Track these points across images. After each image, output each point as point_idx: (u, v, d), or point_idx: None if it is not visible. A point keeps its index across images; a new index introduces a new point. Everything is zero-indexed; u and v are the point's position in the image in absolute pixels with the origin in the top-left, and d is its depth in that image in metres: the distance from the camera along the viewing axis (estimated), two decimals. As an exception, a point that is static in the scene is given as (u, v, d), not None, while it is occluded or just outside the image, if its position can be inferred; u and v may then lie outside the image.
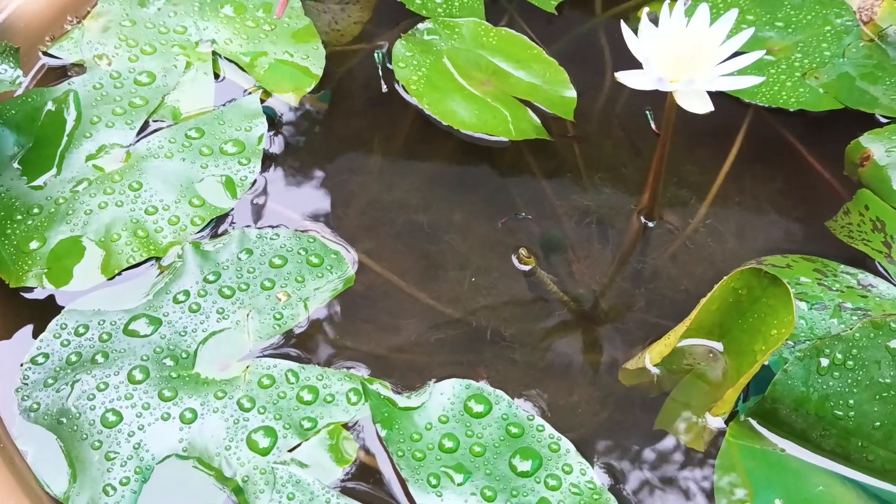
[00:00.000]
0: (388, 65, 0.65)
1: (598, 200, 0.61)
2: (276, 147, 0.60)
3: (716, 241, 0.60)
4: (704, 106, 0.43)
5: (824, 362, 0.44)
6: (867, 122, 0.65)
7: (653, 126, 0.64)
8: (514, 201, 0.60)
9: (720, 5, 0.72)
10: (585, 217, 0.60)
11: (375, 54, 0.66)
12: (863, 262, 0.55)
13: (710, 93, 0.45)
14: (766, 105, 0.65)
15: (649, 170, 0.56)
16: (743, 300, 0.47)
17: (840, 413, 0.43)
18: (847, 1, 0.73)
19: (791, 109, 0.65)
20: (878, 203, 0.58)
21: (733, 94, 0.65)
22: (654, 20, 0.64)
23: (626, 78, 0.44)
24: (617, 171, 0.63)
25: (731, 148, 0.65)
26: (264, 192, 0.57)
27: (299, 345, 0.48)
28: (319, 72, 0.64)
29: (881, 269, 0.54)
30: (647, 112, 0.64)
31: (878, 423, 0.43)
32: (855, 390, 0.43)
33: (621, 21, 0.47)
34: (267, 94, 0.61)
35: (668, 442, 0.48)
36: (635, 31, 0.46)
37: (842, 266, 0.53)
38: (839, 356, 0.43)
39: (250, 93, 0.61)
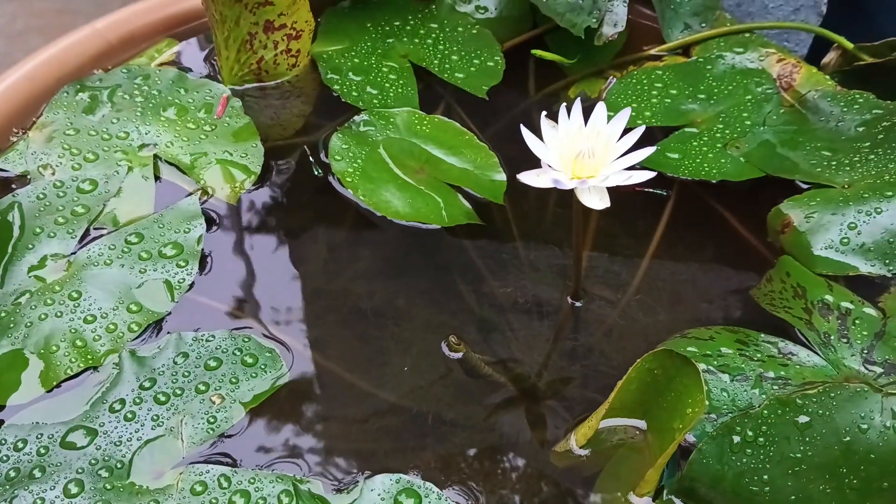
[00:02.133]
0: (325, 158, 0.67)
1: (534, 279, 0.63)
2: (216, 245, 0.61)
3: (648, 314, 0.61)
4: (603, 202, 0.46)
5: (736, 440, 0.45)
6: (789, 188, 0.68)
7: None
8: (454, 284, 0.62)
9: (644, 81, 0.75)
10: (522, 297, 0.62)
11: (305, 148, 0.69)
12: (786, 329, 0.57)
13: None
14: (690, 178, 0.68)
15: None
16: (659, 380, 0.48)
17: (756, 489, 0.45)
18: (767, 69, 0.76)
19: (713, 181, 0.67)
20: (799, 269, 0.60)
21: (657, 169, 0.68)
22: (585, 99, 0.67)
23: (527, 178, 0.46)
24: (553, 249, 0.65)
25: (660, 221, 0.67)
26: (203, 292, 0.58)
27: (234, 447, 0.49)
28: (258, 169, 0.66)
29: (801, 337, 0.56)
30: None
31: (793, 497, 0.44)
32: (768, 466, 0.45)
33: (521, 125, 0.49)
34: (206, 193, 0.64)
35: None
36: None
37: (762, 335, 0.55)
38: (750, 433, 0.45)
39: (190, 194, 0.63)
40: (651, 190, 0.67)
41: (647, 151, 0.47)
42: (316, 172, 0.66)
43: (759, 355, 0.54)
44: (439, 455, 0.51)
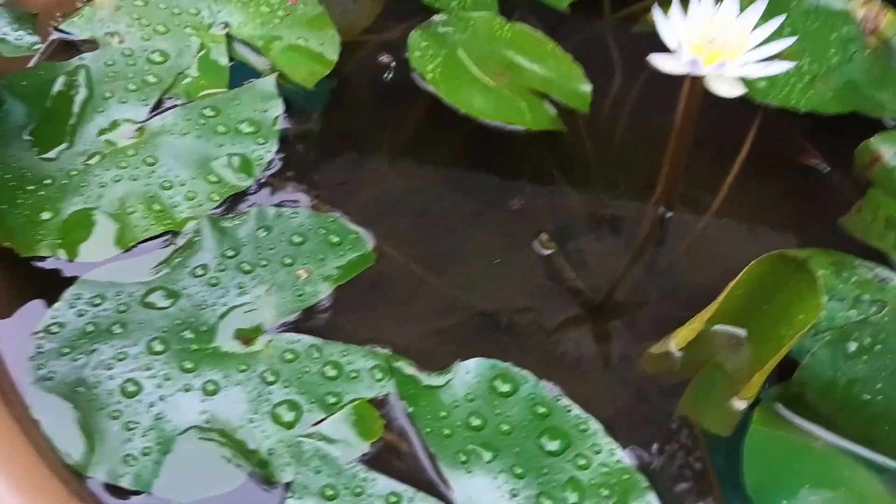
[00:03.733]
0: (403, 55, 0.65)
1: (611, 193, 0.61)
2: (292, 130, 0.59)
3: (728, 237, 0.60)
4: (735, 90, 0.44)
5: (852, 347, 0.44)
6: (875, 125, 0.66)
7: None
8: (526, 191, 0.60)
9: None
10: (600, 209, 0.60)
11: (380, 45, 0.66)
12: (876, 258, 0.56)
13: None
14: (778, 106, 0.66)
15: (662, 164, 0.56)
16: (768, 286, 0.47)
17: (867, 397, 0.44)
18: (851, 11, 0.74)
19: (801, 111, 0.66)
20: (890, 202, 0.59)
21: (745, 97, 0.66)
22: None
23: (660, 61, 0.44)
24: (629, 165, 0.63)
25: (742, 147, 0.65)
26: (280, 173, 0.56)
27: (321, 322, 0.47)
28: (335, 58, 0.63)
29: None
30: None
31: (904, 409, 0.43)
32: (882, 374, 0.43)
33: (654, 8, 0.47)
34: (282, 77, 0.61)
35: (692, 428, 0.47)
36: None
37: (858, 260, 0.54)
38: (868, 340, 0.44)
39: (265, 75, 0.60)
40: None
41: (788, 42, 0.46)
42: (386, 77, 0.63)
43: (854, 278, 0.53)
44: (514, 358, 0.49)
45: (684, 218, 0.60)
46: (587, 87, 0.64)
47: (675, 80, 0.49)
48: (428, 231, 0.56)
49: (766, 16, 0.72)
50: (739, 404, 0.46)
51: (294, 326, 0.47)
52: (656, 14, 0.46)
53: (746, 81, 0.64)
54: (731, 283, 0.47)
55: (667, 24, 0.45)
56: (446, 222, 0.57)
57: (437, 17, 0.67)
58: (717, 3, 0.47)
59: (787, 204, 0.63)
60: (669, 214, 0.58)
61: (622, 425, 0.47)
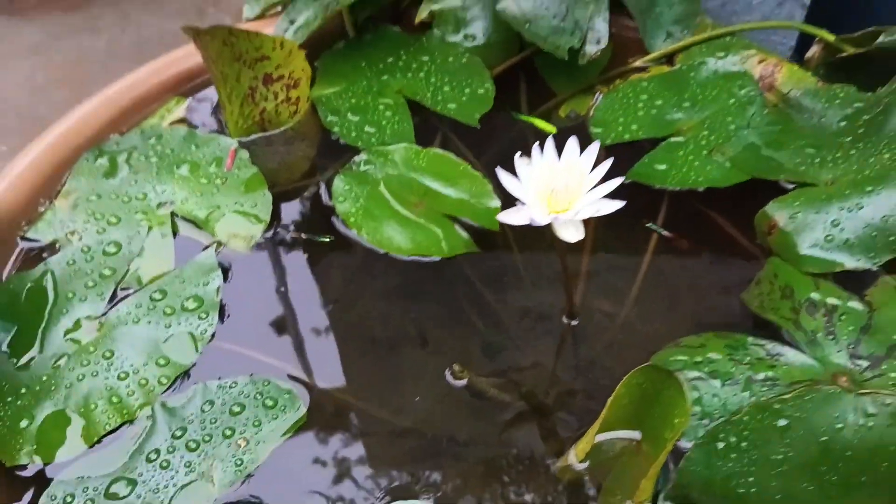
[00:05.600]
0: (329, 201, 0.72)
1: (535, 300, 0.66)
2: (234, 294, 0.66)
3: (646, 323, 0.64)
4: (578, 234, 0.49)
5: (721, 445, 0.48)
6: (776, 189, 0.70)
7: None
8: (462, 310, 0.66)
9: (630, 94, 0.78)
10: (525, 317, 0.65)
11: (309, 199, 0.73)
12: (776, 331, 0.60)
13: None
14: (677, 188, 0.70)
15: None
16: (649, 392, 0.51)
17: (743, 490, 0.48)
18: (749, 71, 0.78)
19: (700, 189, 0.70)
20: (786, 269, 0.63)
21: (646, 182, 0.71)
22: (575, 117, 0.70)
23: (506, 216, 0.50)
24: (555, 265, 0.68)
25: (653, 233, 0.70)
26: (225, 339, 0.63)
27: (261, 486, 0.54)
28: (268, 217, 0.70)
29: (789, 337, 0.59)
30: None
31: (778, 496, 0.47)
32: (752, 468, 0.48)
33: (497, 168, 0.53)
34: (220, 245, 0.68)
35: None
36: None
37: (751, 338, 0.58)
38: (733, 439, 0.48)
39: (206, 247, 0.67)
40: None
41: (615, 182, 0.51)
42: (321, 239, 0.70)
43: (748, 359, 0.56)
44: (455, 474, 0.55)
45: (601, 316, 0.65)
46: (496, 203, 0.70)
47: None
48: (369, 364, 0.62)
49: (668, 93, 0.77)
50: (637, 508, 0.50)
51: (236, 496, 0.53)
52: (500, 173, 0.52)
53: (647, 168, 0.70)
54: (613, 395, 0.51)
55: (511, 180, 0.51)
56: (388, 353, 0.63)
57: (357, 157, 0.74)
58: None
59: (703, 281, 0.67)
60: (576, 321, 0.63)
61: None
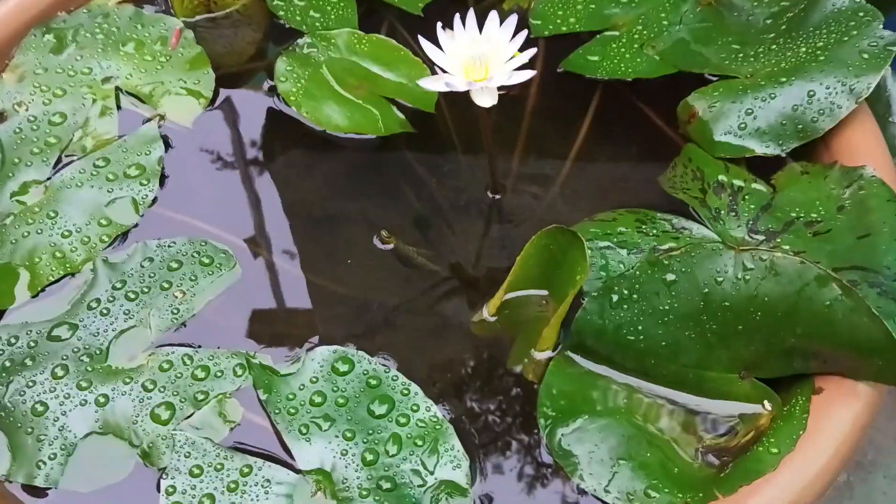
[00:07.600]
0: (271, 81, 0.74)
1: (468, 178, 0.70)
2: (175, 165, 0.68)
3: (571, 205, 0.68)
4: (492, 100, 0.52)
5: (615, 298, 0.53)
6: (701, 82, 0.73)
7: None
8: (398, 188, 0.69)
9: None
10: (459, 194, 0.69)
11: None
12: (684, 210, 0.64)
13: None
14: (607, 78, 0.73)
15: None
16: (556, 254, 0.56)
17: (632, 338, 0.52)
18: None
19: (629, 79, 0.73)
20: (700, 154, 0.66)
21: (578, 71, 0.74)
22: (518, 10, 0.72)
23: (426, 83, 0.53)
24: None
25: (585, 118, 0.73)
26: (165, 206, 0.66)
27: (195, 334, 0.58)
28: (210, 94, 0.73)
29: (695, 214, 0.63)
30: None
31: (663, 343, 0.52)
32: (641, 318, 0.52)
33: (419, 35, 0.55)
34: (163, 119, 0.70)
35: (512, 378, 0.57)
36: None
37: (659, 214, 0.62)
38: (625, 291, 0.52)
39: (148, 120, 0.70)
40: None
41: (530, 53, 0.54)
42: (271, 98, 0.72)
43: (654, 231, 0.61)
44: (382, 332, 0.59)
45: (529, 197, 0.68)
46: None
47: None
48: (305, 234, 0.66)
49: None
50: (539, 356, 0.55)
51: (172, 341, 0.57)
52: (422, 40, 0.54)
53: (580, 58, 0.72)
54: (520, 255, 0.55)
55: (433, 48, 0.54)
56: (325, 226, 0.67)
57: (301, 40, 0.76)
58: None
59: (626, 168, 0.71)
60: (499, 196, 0.67)
61: (457, 383, 0.57)
